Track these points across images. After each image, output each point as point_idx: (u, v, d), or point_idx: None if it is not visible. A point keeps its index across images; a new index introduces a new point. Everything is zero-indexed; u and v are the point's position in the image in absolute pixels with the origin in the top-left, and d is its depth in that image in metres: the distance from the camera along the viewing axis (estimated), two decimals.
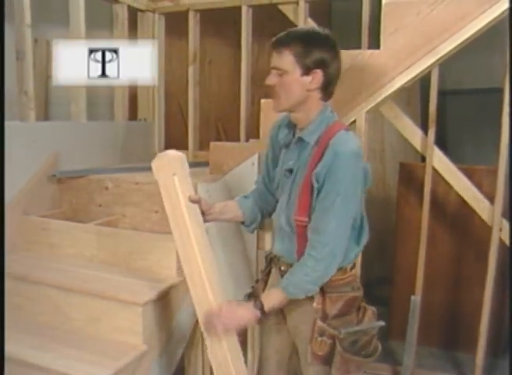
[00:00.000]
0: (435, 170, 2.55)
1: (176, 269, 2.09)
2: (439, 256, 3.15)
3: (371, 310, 1.65)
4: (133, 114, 3.33)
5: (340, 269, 1.58)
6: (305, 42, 1.48)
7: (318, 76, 1.49)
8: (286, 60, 1.47)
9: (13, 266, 2.15)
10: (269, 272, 1.79)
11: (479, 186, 2.56)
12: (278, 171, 1.69)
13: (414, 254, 2.67)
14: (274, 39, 1.52)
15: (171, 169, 1.51)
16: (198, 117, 3.33)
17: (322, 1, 3.46)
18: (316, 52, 1.47)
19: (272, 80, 1.52)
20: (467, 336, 2.89)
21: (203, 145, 3.23)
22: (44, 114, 3.17)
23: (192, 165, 3.07)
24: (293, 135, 1.63)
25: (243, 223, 1.81)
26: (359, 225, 1.61)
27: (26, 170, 2.40)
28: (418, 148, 2.63)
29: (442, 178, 2.57)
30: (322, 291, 1.57)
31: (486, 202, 2.50)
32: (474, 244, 3.08)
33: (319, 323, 1.56)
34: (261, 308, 1.52)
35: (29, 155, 2.40)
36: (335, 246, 1.49)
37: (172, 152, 1.57)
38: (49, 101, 3.24)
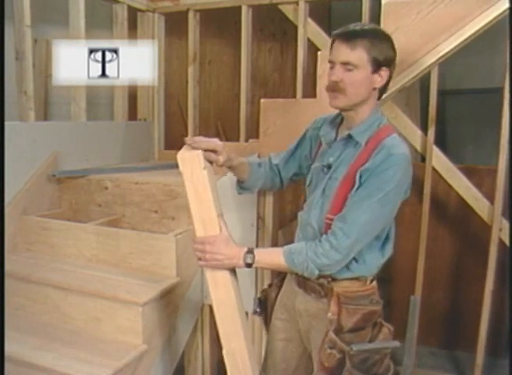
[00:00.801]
0: (434, 170, 2.55)
1: (175, 269, 2.09)
2: (439, 256, 3.15)
3: (387, 328, 1.56)
4: (132, 114, 3.32)
5: (360, 280, 1.54)
6: (377, 38, 1.42)
7: (386, 74, 1.45)
8: (359, 55, 1.40)
9: (14, 266, 2.15)
10: (284, 278, 1.77)
11: (479, 186, 2.57)
12: (313, 168, 1.64)
13: (414, 253, 2.68)
14: (345, 31, 1.44)
15: (201, 163, 1.45)
16: (198, 117, 3.33)
17: (322, 1, 3.46)
18: (386, 50, 1.44)
19: (339, 75, 1.43)
20: (467, 335, 2.89)
21: None
22: (44, 114, 3.17)
23: None
24: (336, 133, 1.59)
25: (241, 182, 1.76)
26: (385, 235, 1.54)
27: (26, 170, 2.40)
28: (418, 147, 2.63)
29: (442, 178, 2.57)
30: (339, 301, 1.51)
31: (486, 202, 2.50)
32: (473, 244, 3.08)
33: (331, 335, 1.50)
34: (249, 264, 1.45)
35: (28, 154, 2.39)
36: (356, 242, 1.42)
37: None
38: (49, 101, 3.24)
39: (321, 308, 1.57)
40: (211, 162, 1.54)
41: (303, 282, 1.62)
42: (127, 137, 3.13)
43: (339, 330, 1.50)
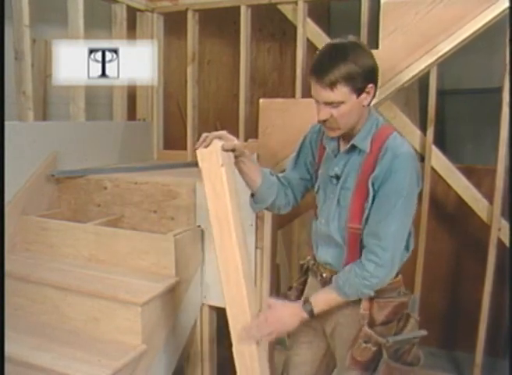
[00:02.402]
0: (433, 170, 2.55)
1: (174, 268, 2.09)
2: (438, 255, 3.15)
3: (414, 318, 1.58)
4: (132, 114, 3.32)
5: None
6: (353, 63, 1.36)
7: (372, 89, 1.44)
8: (341, 92, 1.38)
9: (13, 266, 2.15)
10: (305, 281, 1.77)
11: (478, 185, 2.57)
12: (320, 174, 1.64)
13: (413, 253, 2.67)
14: (318, 70, 1.39)
15: (219, 160, 1.45)
16: (197, 117, 3.33)
17: (321, 1, 3.46)
18: (363, 69, 1.38)
19: (327, 114, 1.42)
20: (466, 335, 2.90)
21: None
22: (43, 114, 3.17)
23: (190, 164, 3.09)
24: (338, 142, 1.58)
25: (252, 195, 1.69)
26: (408, 231, 1.55)
27: (25, 170, 2.40)
28: (417, 147, 2.63)
29: (441, 178, 2.58)
30: (369, 296, 1.53)
31: (485, 202, 2.50)
32: (473, 244, 3.08)
33: (366, 329, 1.52)
34: (311, 311, 1.48)
35: (27, 154, 2.39)
36: (395, 251, 1.46)
37: (220, 143, 1.49)
38: (48, 101, 3.24)
39: (349, 305, 1.57)
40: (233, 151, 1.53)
41: (329, 282, 1.61)
42: (126, 137, 3.13)
43: (372, 324, 1.53)
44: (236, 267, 1.48)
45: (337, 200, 1.54)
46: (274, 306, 1.52)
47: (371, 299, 1.53)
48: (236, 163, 1.59)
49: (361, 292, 1.48)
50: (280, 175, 1.78)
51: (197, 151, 1.47)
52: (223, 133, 1.53)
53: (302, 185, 1.76)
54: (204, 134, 1.51)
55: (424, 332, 1.58)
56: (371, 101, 1.49)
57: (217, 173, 1.45)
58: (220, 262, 1.50)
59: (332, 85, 1.37)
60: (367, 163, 1.47)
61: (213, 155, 1.46)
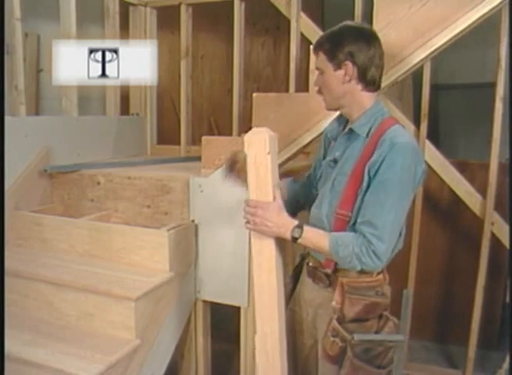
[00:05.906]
0: (427, 164, 2.56)
1: (168, 263, 2.09)
2: (431, 250, 3.16)
3: (393, 321, 1.56)
4: (125, 108, 3.31)
5: (367, 271, 1.53)
6: (332, 39, 1.54)
7: (349, 67, 1.50)
8: (321, 59, 1.55)
9: (6, 262, 2.13)
10: (300, 271, 1.78)
11: (471, 180, 2.57)
12: (323, 163, 1.68)
13: (407, 247, 2.68)
14: (315, 41, 1.60)
15: (266, 147, 1.47)
16: (191, 112, 3.32)
17: None
18: (342, 46, 1.51)
19: (317, 81, 1.60)
20: (459, 329, 2.91)
21: (195, 140, 3.23)
22: (35, 108, 3.15)
23: (184, 159, 3.08)
24: (343, 128, 1.63)
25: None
26: None
27: (17, 165, 2.38)
28: None
29: (435, 172, 2.58)
30: (343, 290, 1.52)
31: (478, 196, 2.51)
32: (466, 238, 3.09)
33: (334, 323, 1.52)
34: (296, 237, 1.46)
35: (20, 149, 2.38)
36: (390, 244, 1.44)
37: (268, 130, 1.51)
38: (40, 95, 3.22)
39: (326, 297, 1.59)
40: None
41: (312, 271, 1.65)
42: (119, 132, 3.12)
43: (342, 319, 1.52)
44: (270, 255, 1.49)
45: (332, 183, 1.56)
46: (280, 206, 1.48)
47: (343, 294, 1.52)
48: None
49: (350, 261, 1.44)
50: (306, 175, 1.86)
51: (245, 138, 1.49)
52: None
53: None
54: None
55: (399, 337, 1.54)
56: (366, 87, 1.52)
57: (262, 159, 1.47)
58: (254, 249, 1.51)
59: (317, 52, 1.57)
60: (366, 150, 1.48)
61: (261, 142, 1.47)
